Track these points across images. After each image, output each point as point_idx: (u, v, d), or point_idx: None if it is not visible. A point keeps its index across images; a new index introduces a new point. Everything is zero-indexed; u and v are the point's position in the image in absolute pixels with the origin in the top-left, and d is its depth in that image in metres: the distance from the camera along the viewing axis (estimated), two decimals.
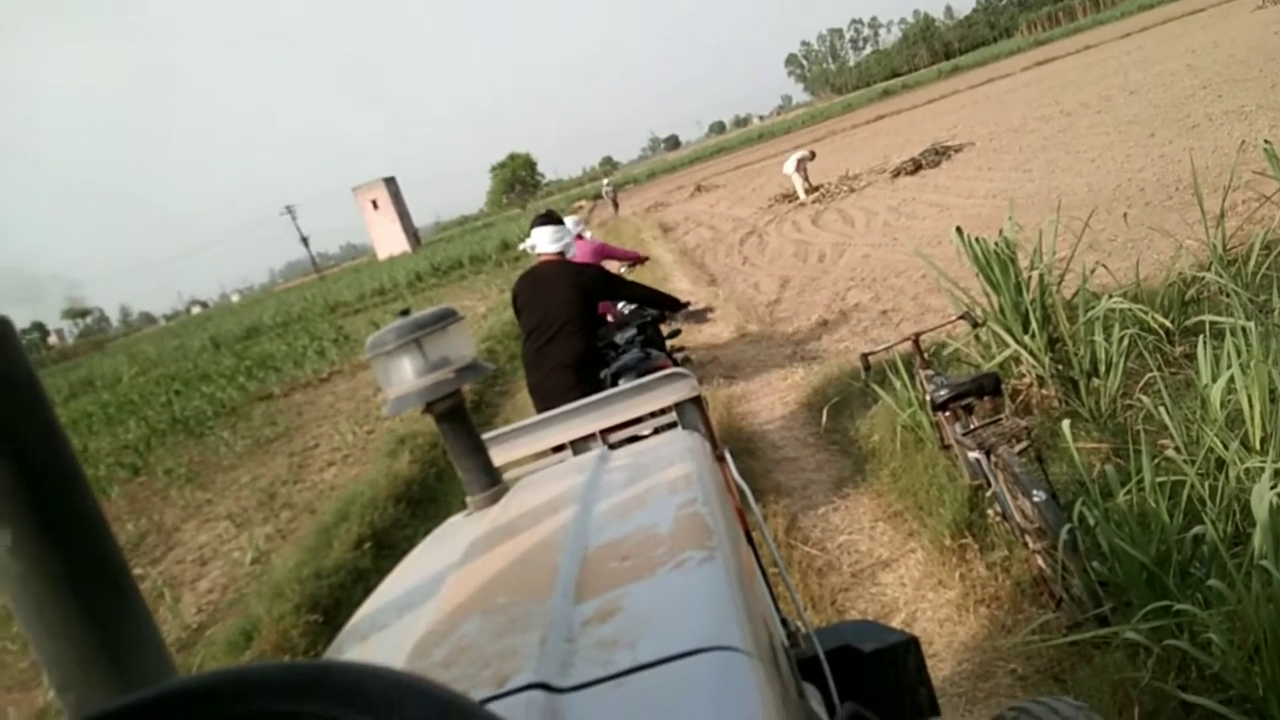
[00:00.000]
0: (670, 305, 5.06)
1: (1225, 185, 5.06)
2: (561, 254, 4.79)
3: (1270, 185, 5.18)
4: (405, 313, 1.75)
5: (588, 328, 4.67)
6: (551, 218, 5.01)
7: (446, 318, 1.73)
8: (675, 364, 5.10)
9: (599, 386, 4.52)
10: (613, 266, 6.80)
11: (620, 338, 5.29)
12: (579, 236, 7.35)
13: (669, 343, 5.71)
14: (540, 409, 4.57)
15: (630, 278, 5.73)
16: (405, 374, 1.70)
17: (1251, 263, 4.62)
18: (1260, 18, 23.51)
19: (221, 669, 0.52)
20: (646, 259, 8.09)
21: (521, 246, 5.32)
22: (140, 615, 1.00)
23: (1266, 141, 5.09)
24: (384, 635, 1.24)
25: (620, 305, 6.10)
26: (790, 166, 18.74)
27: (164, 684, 0.51)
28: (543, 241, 4.80)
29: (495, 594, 1.15)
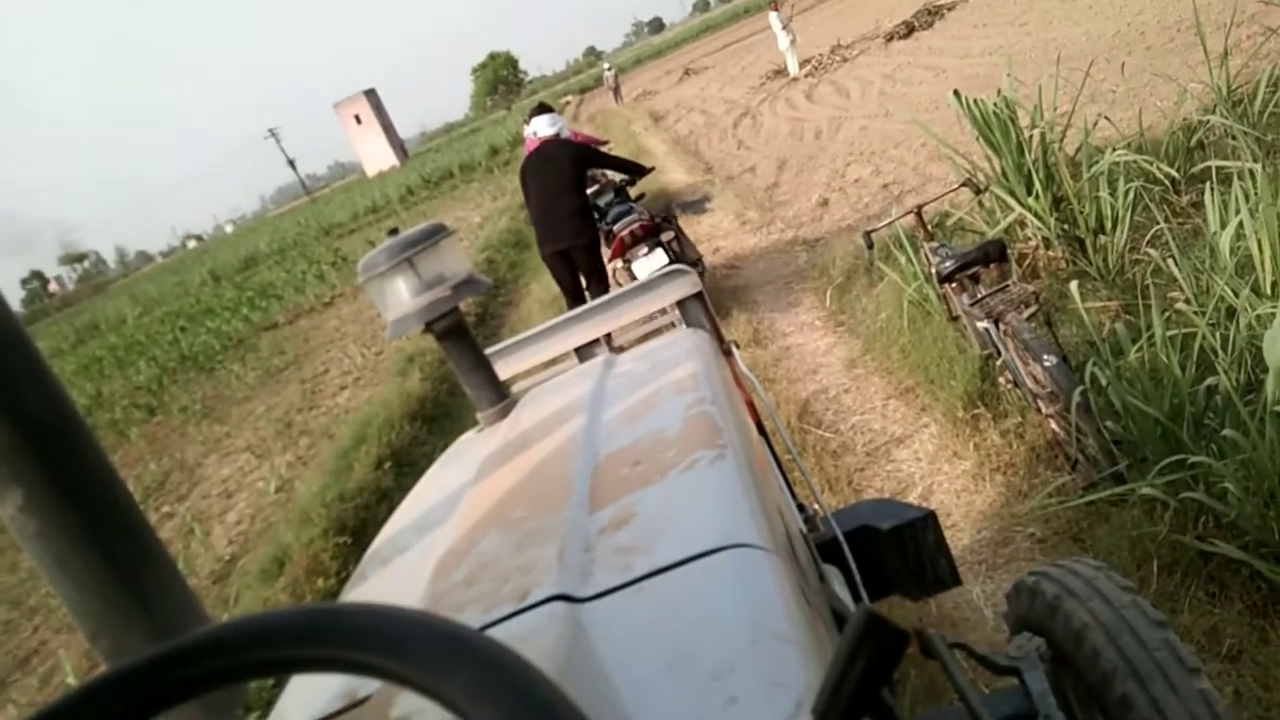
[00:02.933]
0: (639, 171, 6.39)
1: (1228, 21, 4.88)
2: (557, 134, 6.12)
3: (1276, 16, 5.00)
4: (394, 232, 1.71)
5: (582, 187, 5.95)
6: (545, 108, 6.56)
7: (437, 233, 1.69)
8: (651, 216, 6.29)
9: (595, 230, 6.04)
10: None
11: (602, 201, 6.75)
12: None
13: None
14: (550, 255, 5.94)
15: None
16: (401, 295, 1.67)
17: (1258, 101, 4.48)
18: None
19: (235, 619, 0.52)
20: (607, 142, 9.70)
21: (529, 132, 6.73)
22: (160, 558, 1.00)
23: None
24: (405, 558, 1.26)
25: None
26: (784, 42, 18.19)
27: (177, 639, 0.51)
28: (542, 127, 6.16)
29: (511, 509, 1.15)
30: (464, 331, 1.75)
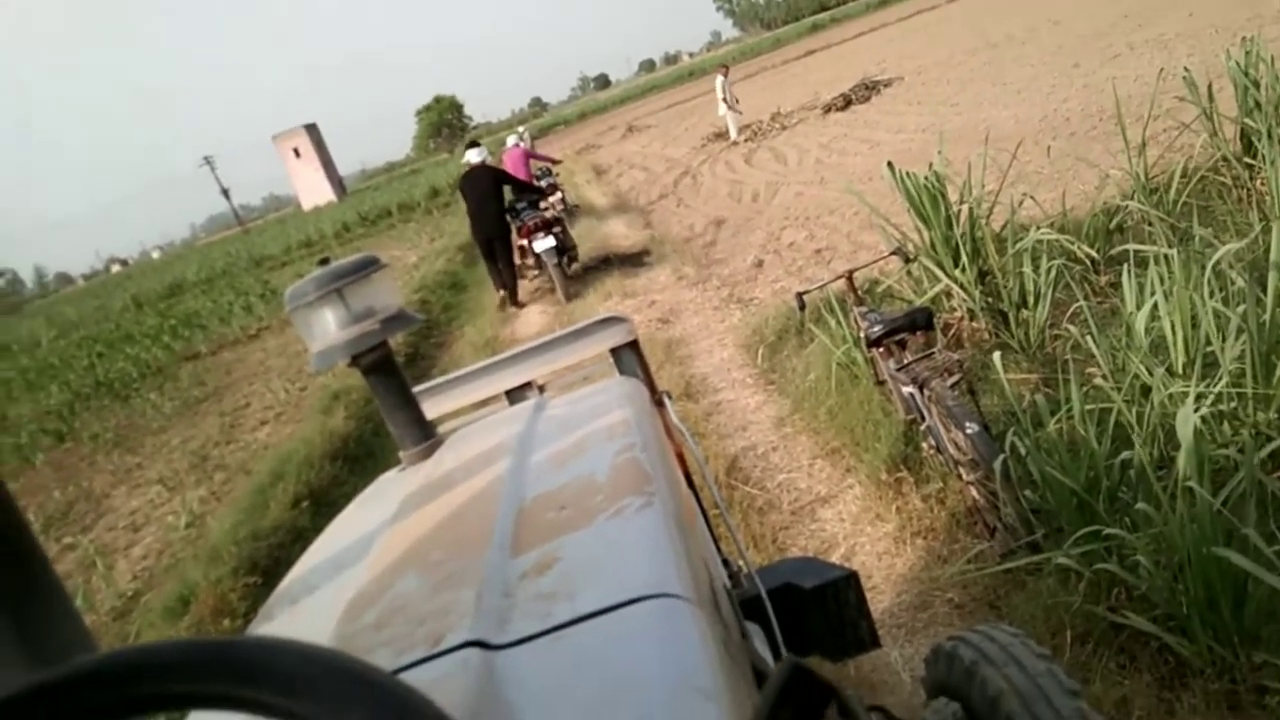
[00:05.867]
0: (537, 191, 10.62)
1: (1147, 114, 5.13)
2: (483, 161, 9.81)
3: (1189, 112, 5.27)
4: (325, 261, 1.67)
5: (500, 198, 9.76)
6: (475, 143, 10.33)
7: (369, 266, 1.66)
8: (547, 219, 9.56)
9: (508, 226, 9.88)
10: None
11: (519, 205, 10.19)
12: (516, 145, 13.36)
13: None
14: (479, 239, 9.93)
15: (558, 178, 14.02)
16: (328, 326, 1.63)
17: (1173, 191, 4.71)
18: None
19: (118, 648, 0.48)
20: (561, 160, 15.55)
21: (464, 160, 10.38)
22: (51, 589, 0.94)
23: (1186, 69, 5.17)
24: (314, 598, 1.20)
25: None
26: (723, 108, 18.60)
27: (50, 671, 0.47)
28: (473, 156, 9.90)
29: (429, 550, 1.12)
30: (392, 367, 1.71)
